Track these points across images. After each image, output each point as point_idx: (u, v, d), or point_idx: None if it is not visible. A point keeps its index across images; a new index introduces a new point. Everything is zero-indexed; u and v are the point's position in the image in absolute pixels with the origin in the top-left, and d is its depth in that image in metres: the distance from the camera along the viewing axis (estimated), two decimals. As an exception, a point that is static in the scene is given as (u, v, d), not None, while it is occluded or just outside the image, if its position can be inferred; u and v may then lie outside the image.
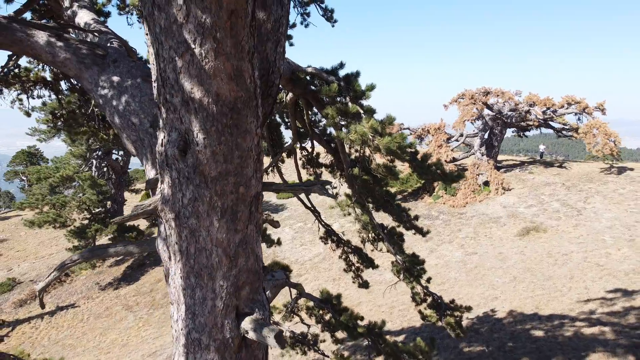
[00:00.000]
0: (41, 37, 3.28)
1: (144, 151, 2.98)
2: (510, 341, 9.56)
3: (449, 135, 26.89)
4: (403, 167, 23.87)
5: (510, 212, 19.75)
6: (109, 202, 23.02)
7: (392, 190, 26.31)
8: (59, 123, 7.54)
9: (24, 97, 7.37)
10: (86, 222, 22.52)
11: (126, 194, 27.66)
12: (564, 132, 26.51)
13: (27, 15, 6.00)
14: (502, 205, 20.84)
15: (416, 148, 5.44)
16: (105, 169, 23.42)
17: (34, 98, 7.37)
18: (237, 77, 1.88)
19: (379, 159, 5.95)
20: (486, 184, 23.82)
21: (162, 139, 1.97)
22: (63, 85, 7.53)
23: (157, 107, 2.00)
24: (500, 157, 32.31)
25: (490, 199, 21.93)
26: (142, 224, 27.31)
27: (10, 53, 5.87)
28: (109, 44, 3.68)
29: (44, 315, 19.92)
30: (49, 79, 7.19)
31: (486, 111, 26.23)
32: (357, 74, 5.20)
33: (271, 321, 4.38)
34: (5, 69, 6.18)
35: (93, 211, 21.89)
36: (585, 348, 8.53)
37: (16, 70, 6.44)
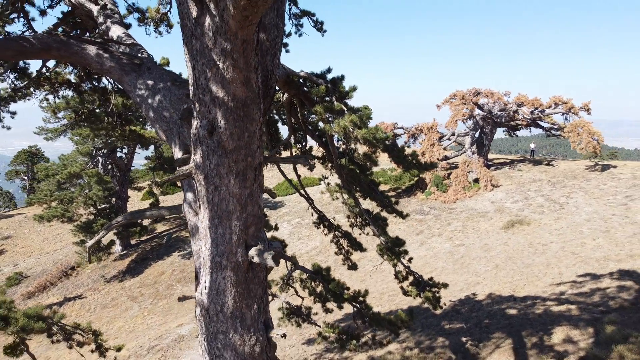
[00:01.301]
0: (91, 50, 4.24)
1: (173, 137, 3.94)
2: (486, 319, 10.53)
3: (441, 135, 27.88)
4: (397, 167, 24.85)
5: (497, 207, 20.74)
6: (113, 199, 23.91)
7: (387, 187, 27.30)
8: (81, 120, 8.46)
9: (50, 96, 8.31)
10: (92, 217, 23.42)
11: (129, 191, 28.52)
12: (552, 131, 27.54)
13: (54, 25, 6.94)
14: (490, 200, 21.83)
15: (395, 142, 6.40)
16: (109, 167, 24.31)
17: (59, 98, 8.30)
18: (247, 83, 2.83)
19: (362, 150, 6.91)
20: (476, 181, 24.81)
21: (196, 124, 2.90)
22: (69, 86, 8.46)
23: (193, 102, 2.93)
24: (492, 156, 33.33)
25: (479, 195, 22.91)
26: (144, 221, 28.18)
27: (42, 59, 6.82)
28: (139, 54, 4.64)
29: (52, 306, 20.78)
30: (73, 80, 8.13)
31: (477, 111, 27.23)
32: (342, 77, 6.15)
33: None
34: (38, 73, 7.12)
35: (99, 207, 22.79)
36: (551, 323, 9.50)
37: (47, 74, 7.36)
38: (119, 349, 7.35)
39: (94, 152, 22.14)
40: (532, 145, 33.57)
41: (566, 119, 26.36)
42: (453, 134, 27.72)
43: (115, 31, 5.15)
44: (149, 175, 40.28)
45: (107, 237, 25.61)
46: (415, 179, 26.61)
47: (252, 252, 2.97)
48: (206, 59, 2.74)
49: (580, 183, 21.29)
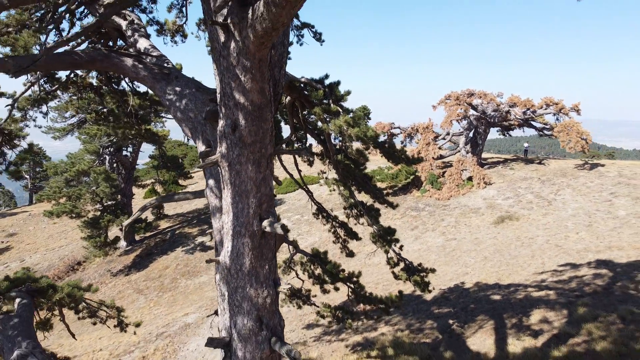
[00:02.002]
0: (128, 61, 5.08)
1: (197, 134, 4.79)
2: (472, 304, 11.39)
3: (436, 134, 28.75)
4: (395, 166, 25.74)
5: (489, 203, 21.61)
6: (119, 195, 24.72)
7: (384, 184, 28.16)
8: (101, 119, 9.30)
9: (73, 98, 9.14)
10: (98, 213, 24.23)
11: (133, 189, 29.32)
12: (544, 131, 28.43)
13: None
14: (482, 197, 22.70)
15: (386, 139, 7.25)
16: (114, 165, 25.12)
17: (83, 99, 9.14)
18: (262, 92, 3.67)
19: (355, 147, 7.75)
20: (470, 179, 25.68)
21: (222, 123, 3.73)
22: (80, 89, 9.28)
23: (219, 106, 3.76)
24: (486, 155, 34.22)
25: (472, 192, 23.78)
26: (149, 218, 29.00)
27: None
28: (165, 64, 5.48)
29: (60, 299, 21.61)
30: (94, 84, 8.97)
31: (471, 111, 28.10)
32: (338, 82, 6.99)
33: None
34: (67, 78, 7.96)
35: (105, 203, 23.60)
36: (530, 306, 10.37)
37: (73, 78, 8.19)
38: (137, 325, 8.18)
39: (101, 150, 22.95)
40: (526, 145, 34.47)
41: (557, 119, 27.25)
42: (448, 134, 28.59)
43: (143, 43, 5.99)
44: (150, 173, 41.07)
45: (113, 233, 26.42)
46: (411, 177, 27.47)
47: (265, 223, 3.80)
48: (231, 74, 3.59)
49: (568, 181, 22.17)
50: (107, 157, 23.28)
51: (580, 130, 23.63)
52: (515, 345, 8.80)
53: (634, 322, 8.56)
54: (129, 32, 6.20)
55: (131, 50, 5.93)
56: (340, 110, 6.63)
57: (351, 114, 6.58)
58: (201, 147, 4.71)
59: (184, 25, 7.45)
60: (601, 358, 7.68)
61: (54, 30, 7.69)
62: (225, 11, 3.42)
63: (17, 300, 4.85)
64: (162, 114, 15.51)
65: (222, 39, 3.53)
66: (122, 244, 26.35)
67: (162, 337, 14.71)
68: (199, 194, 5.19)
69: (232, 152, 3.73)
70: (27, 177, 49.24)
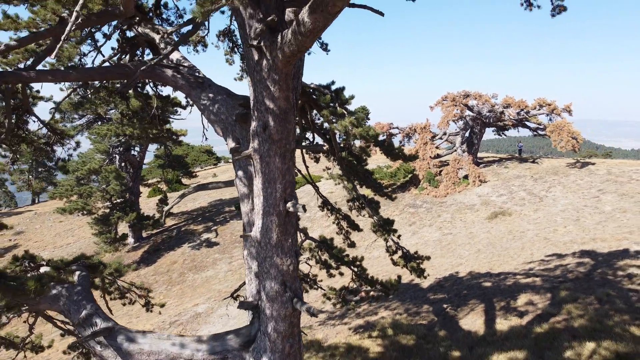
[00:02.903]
0: (168, 72, 6.01)
1: (228, 133, 5.72)
2: (465, 290, 12.34)
3: (433, 134, 29.71)
4: (393, 164, 26.62)
5: (483, 200, 22.58)
6: (127, 194, 25.62)
7: (383, 182, 29.10)
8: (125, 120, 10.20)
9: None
10: (107, 211, 25.14)
11: (140, 187, 30.21)
12: (538, 131, 29.42)
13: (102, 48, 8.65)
14: (477, 195, 23.66)
15: (386, 139, 8.18)
16: (122, 164, 26.00)
17: (110, 102, 10.03)
18: (287, 99, 4.59)
19: (358, 144, 8.68)
20: (466, 177, 26.65)
21: (254, 124, 4.64)
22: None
23: (252, 110, 4.68)
24: (482, 154, 35.18)
25: (468, 190, 24.75)
26: (156, 215, 29.89)
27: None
28: (196, 74, 6.41)
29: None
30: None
31: (467, 112, 29.07)
32: (343, 88, 7.93)
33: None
34: (99, 84, 8.86)
35: (114, 201, 24.51)
36: (518, 291, 11.32)
37: (105, 84, 9.09)
38: (162, 305, 9.09)
39: (110, 150, 23.83)
40: (520, 144, 35.47)
41: (550, 119, 28.25)
42: (445, 134, 29.56)
43: (175, 55, 6.91)
44: (153, 172, 41.93)
45: (121, 230, 27.31)
46: (409, 175, 28.43)
47: (289, 204, 4.71)
48: (263, 85, 4.52)
49: (560, 178, 23.15)
50: (117, 157, 24.16)
51: (571, 130, 24.62)
52: (502, 324, 9.75)
53: (609, 302, 9.51)
54: (162, 45, 7.11)
55: (164, 61, 6.85)
56: (346, 112, 7.58)
57: (354, 116, 7.52)
58: (231, 144, 5.64)
59: (206, 36, 8.37)
60: (578, 333, 8.63)
61: (89, 40, 8.63)
62: (258, 36, 4.35)
63: (77, 273, 5.76)
64: (173, 116, 16.35)
65: (256, 57, 4.45)
66: (130, 240, 27.23)
67: (175, 324, 15.62)
68: (229, 183, 5.98)
69: (263, 147, 4.65)
70: (31, 177, 50.01)
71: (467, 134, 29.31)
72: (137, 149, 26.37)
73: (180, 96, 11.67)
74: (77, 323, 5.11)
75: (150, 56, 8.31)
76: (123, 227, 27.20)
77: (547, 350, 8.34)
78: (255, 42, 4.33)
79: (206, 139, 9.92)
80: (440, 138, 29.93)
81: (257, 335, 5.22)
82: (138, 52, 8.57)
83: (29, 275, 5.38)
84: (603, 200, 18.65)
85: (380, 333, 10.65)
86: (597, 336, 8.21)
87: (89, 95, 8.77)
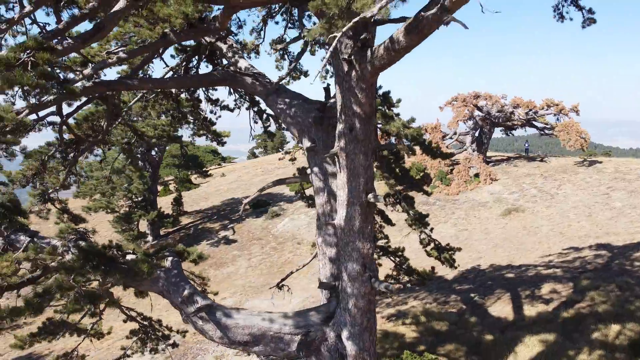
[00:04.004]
0: (248, 79, 6.72)
1: (304, 134, 6.44)
2: (489, 281, 13.08)
3: (444, 134, 30.47)
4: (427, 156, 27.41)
5: (496, 197, 23.33)
6: (146, 193, 26.30)
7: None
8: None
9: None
10: (127, 209, 25.82)
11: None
12: (545, 130, 30.19)
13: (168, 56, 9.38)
14: (489, 192, 24.41)
15: (424, 139, 8.91)
16: (143, 164, 26.68)
17: (162, 105, 10.75)
18: (371, 105, 5.31)
19: (399, 146, 9.41)
20: (476, 175, 27.40)
21: (341, 126, 5.36)
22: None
23: (339, 114, 5.40)
24: (490, 153, 35.96)
25: (479, 188, 25.49)
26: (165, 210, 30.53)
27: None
28: (267, 80, 7.12)
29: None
30: (173, 92, 10.57)
31: (476, 112, 29.83)
32: (389, 92, 8.67)
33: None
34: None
35: (135, 200, 25.20)
36: (541, 281, 12.06)
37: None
38: (215, 294, 9.80)
39: (135, 150, 24.49)
40: (527, 144, 36.28)
41: (557, 119, 29.01)
42: (455, 133, 30.31)
43: (243, 63, 7.62)
44: (164, 172, 42.51)
45: (144, 226, 27.97)
46: (421, 174, 29.15)
47: (370, 196, 5.43)
48: (351, 93, 5.24)
49: (569, 176, 23.91)
50: (139, 157, 24.83)
51: (580, 129, 25.39)
52: (530, 310, 10.49)
53: (629, 290, 10.26)
54: (229, 54, 7.81)
55: (231, 68, 7.57)
56: (394, 115, 8.31)
57: (403, 119, 8.26)
58: (307, 144, 6.36)
59: (260, 45, 9.10)
60: (602, 317, 9.37)
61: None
62: (349, 51, 5.07)
63: (170, 258, 6.46)
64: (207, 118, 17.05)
65: (346, 69, 5.17)
66: (149, 238, 27.91)
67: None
68: (305, 177, 6.52)
69: (349, 146, 5.37)
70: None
71: (476, 134, 30.07)
72: (156, 149, 27.05)
73: (227, 99, 12.39)
74: (181, 301, 5.82)
75: (202, 64, 9.05)
76: (144, 224, 27.87)
77: (574, 332, 9.08)
78: (346, 56, 5.05)
79: (252, 139, 10.67)
80: (451, 138, 30.67)
81: (336, 311, 5.94)
82: (194, 60, 9.30)
83: (131, 259, 6.08)
84: (613, 197, 19.40)
85: (413, 320, 11.37)
86: (620, 319, 8.96)
87: (151, 99, 9.47)
